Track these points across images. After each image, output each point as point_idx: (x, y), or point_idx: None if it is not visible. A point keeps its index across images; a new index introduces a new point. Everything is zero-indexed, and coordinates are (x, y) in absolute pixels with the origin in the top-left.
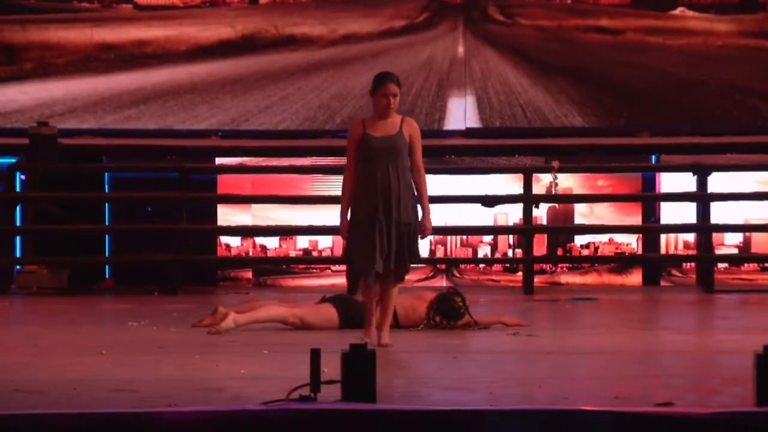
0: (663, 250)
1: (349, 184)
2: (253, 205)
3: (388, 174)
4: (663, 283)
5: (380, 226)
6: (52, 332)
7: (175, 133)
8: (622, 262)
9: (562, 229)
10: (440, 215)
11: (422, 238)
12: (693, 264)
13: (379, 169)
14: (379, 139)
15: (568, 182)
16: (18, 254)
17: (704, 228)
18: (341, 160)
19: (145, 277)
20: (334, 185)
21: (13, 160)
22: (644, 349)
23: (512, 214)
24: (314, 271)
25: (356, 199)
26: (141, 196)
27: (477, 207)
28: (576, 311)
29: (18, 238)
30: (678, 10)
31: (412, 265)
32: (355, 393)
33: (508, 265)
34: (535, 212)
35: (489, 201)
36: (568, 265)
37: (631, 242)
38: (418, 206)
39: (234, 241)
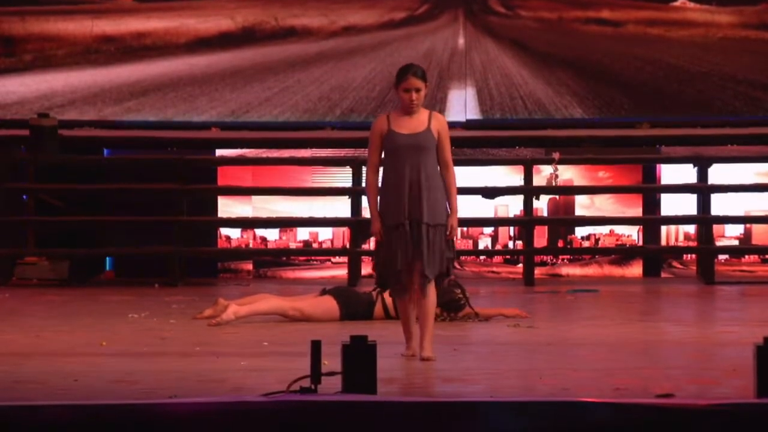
0: (663, 242)
1: (373, 180)
2: (254, 197)
3: (415, 174)
4: (663, 274)
5: (404, 230)
6: (52, 324)
7: (176, 125)
8: (622, 253)
9: (563, 221)
10: None
11: (448, 237)
12: (693, 255)
13: (406, 169)
14: (405, 137)
15: (569, 174)
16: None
17: (705, 219)
18: (341, 152)
19: (145, 269)
20: (334, 177)
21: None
22: (645, 341)
23: (513, 206)
24: (314, 262)
25: (382, 200)
26: (141, 187)
27: (477, 198)
28: (576, 303)
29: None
30: (679, 2)
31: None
32: (355, 385)
33: (508, 256)
34: (536, 204)
35: (489, 192)
36: (568, 256)
37: (632, 234)
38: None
39: (234, 233)
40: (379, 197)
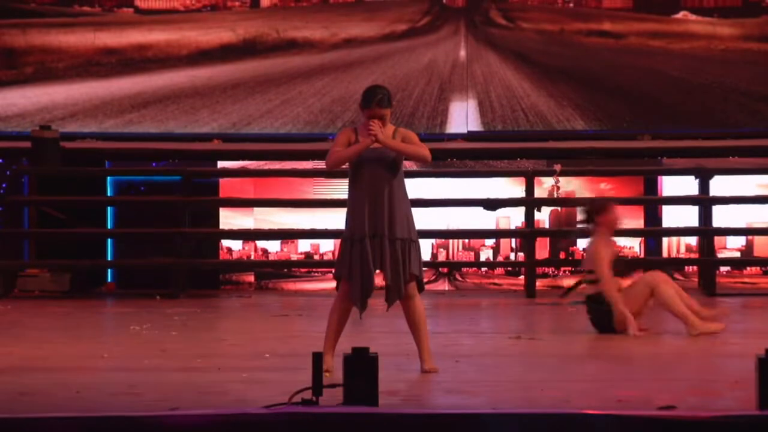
0: (665, 254)
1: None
2: (255, 209)
3: (380, 188)
4: None
5: (365, 246)
6: (54, 336)
7: (177, 137)
8: (624, 265)
9: (565, 233)
10: (442, 219)
11: (368, 132)
12: (695, 267)
13: (370, 183)
14: (370, 150)
15: (570, 185)
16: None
17: (706, 231)
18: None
19: (147, 281)
20: (335, 189)
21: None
22: (647, 353)
23: (514, 218)
24: (316, 274)
25: (347, 213)
26: (143, 199)
27: (479, 210)
28: (578, 315)
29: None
30: (680, 14)
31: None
32: (357, 396)
33: (510, 268)
34: (537, 215)
35: (491, 204)
36: (570, 268)
37: (634, 245)
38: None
39: (236, 245)
40: (346, 210)
